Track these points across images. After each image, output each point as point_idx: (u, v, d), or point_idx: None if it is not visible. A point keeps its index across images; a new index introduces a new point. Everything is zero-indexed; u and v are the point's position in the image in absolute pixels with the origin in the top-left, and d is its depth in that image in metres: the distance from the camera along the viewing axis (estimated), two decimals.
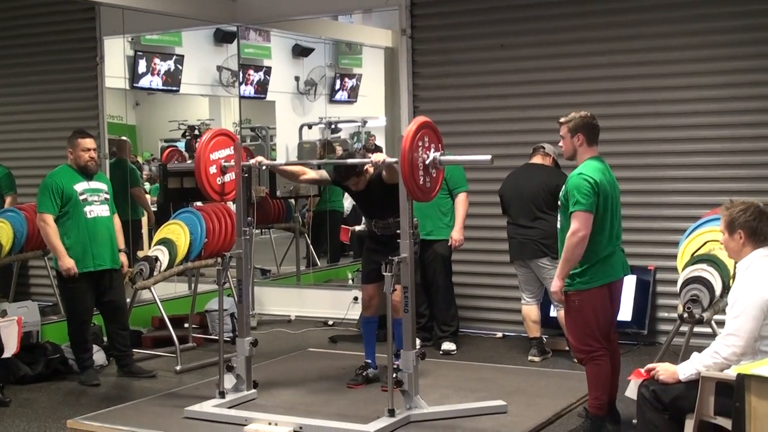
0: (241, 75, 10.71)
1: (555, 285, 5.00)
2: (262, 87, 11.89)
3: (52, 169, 6.70)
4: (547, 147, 7.03)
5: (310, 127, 12.69)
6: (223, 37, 11.14)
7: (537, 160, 7.07)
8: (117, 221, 6.81)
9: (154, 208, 9.94)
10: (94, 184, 6.64)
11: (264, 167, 6.04)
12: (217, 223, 7.55)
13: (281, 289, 9.44)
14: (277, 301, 9.18)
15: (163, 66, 10.81)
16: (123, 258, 6.80)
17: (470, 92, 8.07)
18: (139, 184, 9.33)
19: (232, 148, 6.07)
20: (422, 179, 5.24)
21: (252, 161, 6.00)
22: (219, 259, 6.02)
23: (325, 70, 12.76)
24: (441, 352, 7.24)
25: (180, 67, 11.01)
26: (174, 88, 11.18)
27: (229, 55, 11.21)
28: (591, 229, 4.88)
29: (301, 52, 12.73)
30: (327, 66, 12.79)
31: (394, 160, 5.36)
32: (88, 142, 6.62)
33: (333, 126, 12.99)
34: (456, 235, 7.23)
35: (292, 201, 10.30)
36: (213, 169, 6.05)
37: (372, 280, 6.14)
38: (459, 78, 8.11)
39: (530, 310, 7.02)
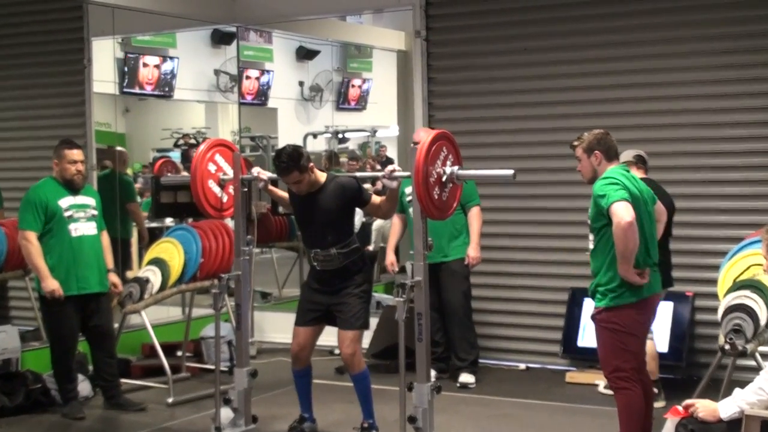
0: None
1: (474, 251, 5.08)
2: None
3: (35, 182, 6.72)
4: (631, 153, 6.61)
5: (315, 136, 12.74)
6: (221, 39, 11.21)
7: (637, 172, 6.42)
8: (105, 238, 6.82)
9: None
10: (80, 199, 6.66)
11: (263, 183, 5.94)
12: (214, 242, 7.56)
13: (283, 315, 9.40)
14: (278, 327, 9.16)
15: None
16: (113, 278, 6.81)
17: (490, 100, 8.08)
18: (134, 199, 9.35)
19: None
20: (438, 195, 5.23)
21: (254, 171, 6.00)
22: (216, 281, 6.03)
23: (332, 75, 12.81)
24: (458, 385, 7.23)
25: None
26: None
27: (228, 57, 11.27)
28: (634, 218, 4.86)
29: (305, 54, 12.80)
30: (334, 70, 12.85)
31: (406, 174, 5.35)
32: (76, 154, 6.64)
33: (340, 136, 13.02)
34: (473, 252, 7.24)
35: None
36: (211, 183, 6.08)
37: (307, 323, 5.84)
38: (478, 84, 8.12)
39: (649, 345, 6.29)
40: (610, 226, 4.93)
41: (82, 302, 6.61)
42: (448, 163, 5.26)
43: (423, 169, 5.10)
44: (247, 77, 12.03)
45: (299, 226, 6.04)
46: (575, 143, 5.23)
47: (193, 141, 11.65)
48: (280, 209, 8.76)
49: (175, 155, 12.08)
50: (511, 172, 5.26)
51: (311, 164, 5.63)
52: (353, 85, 13.52)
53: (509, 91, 8.00)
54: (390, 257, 7.52)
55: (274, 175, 5.87)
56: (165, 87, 11.21)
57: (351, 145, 14.11)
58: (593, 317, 5.13)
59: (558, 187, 7.75)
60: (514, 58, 7.97)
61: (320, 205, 5.67)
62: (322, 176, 5.71)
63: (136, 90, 11.05)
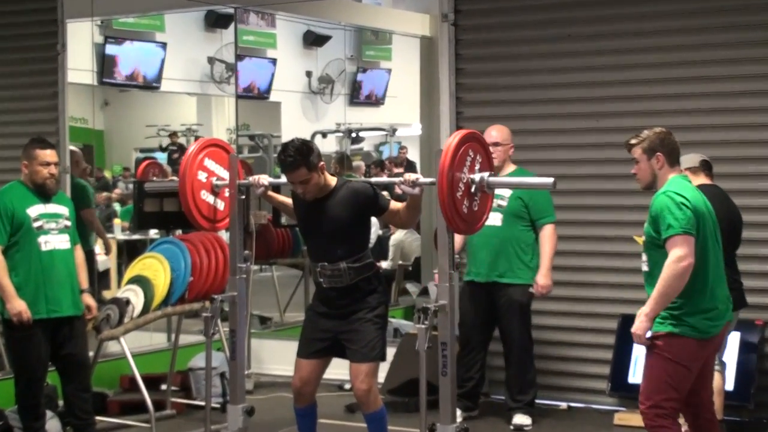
0: None
1: (641, 325, 5.04)
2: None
3: (1, 187, 6.75)
4: (696, 157, 6.63)
5: (324, 135, 12.78)
6: (216, 21, 11.28)
7: (705, 180, 6.59)
8: (80, 254, 6.85)
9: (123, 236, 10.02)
10: (52, 208, 6.67)
11: (262, 189, 5.97)
12: (206, 258, 7.58)
13: (285, 343, 9.41)
14: (279, 357, 9.17)
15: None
16: (88, 300, 6.83)
17: (528, 95, 8.07)
18: (90, 206, 9.35)
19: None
20: (466, 206, 5.25)
21: (251, 179, 6.02)
22: (207, 304, 6.04)
23: (345, 64, 12.85)
24: (512, 427, 7.28)
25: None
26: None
27: (224, 43, 11.34)
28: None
29: (314, 40, 12.85)
30: (347, 59, 12.89)
31: (430, 180, 5.37)
32: (49, 155, 6.64)
33: (354, 135, 13.04)
34: (542, 279, 7.21)
35: None
36: (203, 192, 6.09)
37: (311, 354, 5.87)
38: (514, 77, 8.12)
39: (716, 379, 6.25)
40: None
41: (53, 327, 6.62)
42: (477, 168, 5.28)
43: (448, 175, 5.11)
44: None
45: (304, 237, 6.05)
46: (633, 141, 5.23)
47: (183, 140, 11.69)
48: (283, 220, 8.77)
49: (163, 157, 12.15)
50: (551, 180, 5.29)
51: (322, 163, 5.64)
52: (369, 77, 13.57)
53: (551, 85, 7.99)
54: None
55: (277, 180, 5.88)
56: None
57: (366, 146, 14.13)
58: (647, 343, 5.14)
59: (607, 197, 7.74)
60: (558, 47, 7.96)
61: (329, 212, 5.67)
62: (332, 180, 5.73)
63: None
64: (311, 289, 10.27)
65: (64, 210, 6.76)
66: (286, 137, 12.33)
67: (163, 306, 7.41)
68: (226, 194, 6.14)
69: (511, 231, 7.21)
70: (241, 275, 6.00)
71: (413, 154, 12.84)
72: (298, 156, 5.51)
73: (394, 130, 13.81)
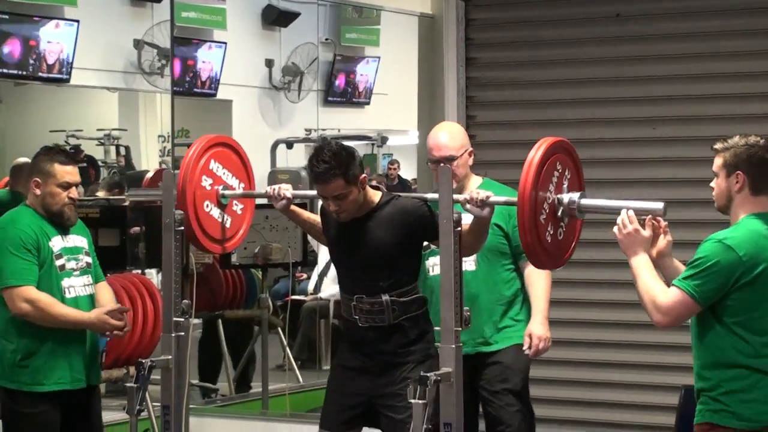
0: None
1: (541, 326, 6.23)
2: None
3: None
4: None
5: (290, 146, 12.79)
6: None
7: None
8: (107, 292, 6.58)
9: None
10: (72, 240, 6.46)
11: (284, 203, 5.94)
12: (129, 308, 7.58)
13: (236, 422, 9.45)
14: None
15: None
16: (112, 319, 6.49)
17: (562, 93, 8.11)
18: None
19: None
20: (551, 234, 5.28)
21: (269, 189, 6.02)
22: (131, 371, 6.04)
23: (318, 51, 12.90)
24: None
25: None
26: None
27: (156, 22, 11.38)
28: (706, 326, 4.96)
29: (277, 18, 12.89)
30: (321, 43, 12.94)
31: (505, 199, 5.40)
32: (70, 172, 6.44)
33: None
34: (538, 329, 6.51)
35: (257, 272, 10.33)
36: (207, 204, 6.07)
37: (340, 427, 5.91)
38: (544, 69, 8.17)
39: None
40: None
41: (69, 402, 6.44)
42: (565, 187, 5.32)
43: (531, 195, 5.13)
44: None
45: (336, 266, 6.02)
46: (717, 147, 5.15)
47: (100, 150, 11.71)
48: (234, 258, 8.79)
49: None
50: (660, 205, 5.25)
51: (364, 175, 5.64)
52: (350, 68, 13.64)
53: (593, 81, 8.04)
54: None
55: (303, 192, 5.88)
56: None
57: None
58: None
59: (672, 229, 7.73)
60: (600, 30, 8.02)
61: (369, 235, 5.70)
62: (375, 195, 5.73)
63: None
64: (274, 351, 10.30)
65: (83, 243, 6.57)
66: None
67: None
68: (234, 207, 6.20)
69: (492, 275, 6.57)
70: (177, 332, 6.01)
71: (407, 170, 12.89)
72: (335, 163, 5.49)
73: (384, 139, 13.85)
